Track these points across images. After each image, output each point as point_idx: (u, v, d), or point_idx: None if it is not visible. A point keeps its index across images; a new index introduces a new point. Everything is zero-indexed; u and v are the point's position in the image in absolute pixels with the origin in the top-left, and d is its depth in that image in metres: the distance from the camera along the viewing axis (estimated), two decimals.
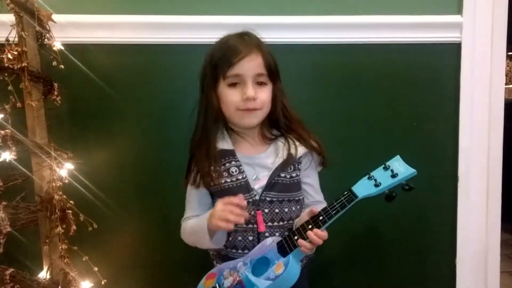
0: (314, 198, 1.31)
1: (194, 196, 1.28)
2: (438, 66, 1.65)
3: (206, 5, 1.56)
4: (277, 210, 1.22)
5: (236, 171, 1.23)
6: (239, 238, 1.22)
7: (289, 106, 1.29)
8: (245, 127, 1.26)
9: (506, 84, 1.70)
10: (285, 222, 1.22)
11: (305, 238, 1.09)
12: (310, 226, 1.09)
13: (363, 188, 1.08)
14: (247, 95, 1.18)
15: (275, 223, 1.21)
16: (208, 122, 1.25)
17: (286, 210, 1.23)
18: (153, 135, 1.61)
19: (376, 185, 1.06)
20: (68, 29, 1.48)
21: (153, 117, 1.61)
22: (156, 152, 1.62)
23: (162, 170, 1.61)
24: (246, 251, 1.20)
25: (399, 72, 1.64)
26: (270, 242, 1.16)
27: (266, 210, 1.21)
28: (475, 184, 1.67)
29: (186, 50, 1.57)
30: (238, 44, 1.21)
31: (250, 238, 1.21)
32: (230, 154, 1.25)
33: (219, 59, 1.21)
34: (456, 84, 1.64)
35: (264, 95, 1.22)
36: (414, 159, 1.63)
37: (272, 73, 1.24)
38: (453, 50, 1.63)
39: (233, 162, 1.24)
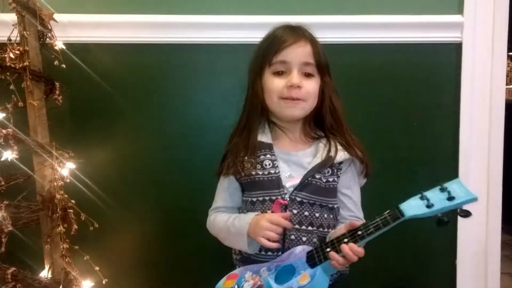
0: (353, 214, 1.22)
1: (225, 187, 1.25)
2: (439, 66, 1.64)
3: (208, 5, 1.56)
4: (306, 213, 1.15)
5: (269, 164, 1.18)
6: None
7: (340, 106, 1.24)
8: (287, 119, 1.21)
9: (506, 84, 1.69)
10: (314, 228, 1.15)
11: (338, 251, 1.02)
12: (346, 240, 1.01)
13: (412, 208, 0.98)
14: (291, 82, 1.13)
15: (303, 227, 1.14)
16: (252, 113, 1.22)
17: (317, 215, 1.15)
18: (155, 134, 1.62)
19: (428, 206, 0.96)
20: (70, 29, 1.48)
21: (154, 116, 1.61)
22: (157, 152, 1.62)
23: (163, 170, 1.61)
24: (269, 253, 1.14)
25: (399, 72, 1.64)
26: (300, 250, 1.09)
27: (295, 211, 1.14)
28: (475, 185, 1.66)
29: (188, 49, 1.57)
30: (287, 32, 1.18)
31: None
32: (267, 147, 1.20)
33: (266, 47, 1.18)
34: (457, 84, 1.63)
35: (310, 86, 1.17)
36: (414, 159, 1.66)
37: (321, 65, 1.19)
38: (454, 50, 1.63)
39: (268, 156, 1.19)
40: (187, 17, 1.54)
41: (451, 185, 0.98)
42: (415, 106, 1.66)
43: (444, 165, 1.68)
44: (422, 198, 0.98)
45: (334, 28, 1.58)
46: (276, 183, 1.16)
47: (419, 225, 1.65)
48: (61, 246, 1.33)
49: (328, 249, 1.03)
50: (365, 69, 1.63)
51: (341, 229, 1.08)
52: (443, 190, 0.97)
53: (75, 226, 1.32)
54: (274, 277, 1.06)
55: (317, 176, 1.16)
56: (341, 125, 1.23)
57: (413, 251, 1.72)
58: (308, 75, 1.18)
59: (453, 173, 1.66)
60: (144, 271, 1.66)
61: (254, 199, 1.18)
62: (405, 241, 1.70)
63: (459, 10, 1.61)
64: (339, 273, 1.15)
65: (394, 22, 1.59)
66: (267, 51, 1.17)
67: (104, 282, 1.39)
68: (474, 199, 0.94)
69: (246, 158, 1.18)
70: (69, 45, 1.41)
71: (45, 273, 1.34)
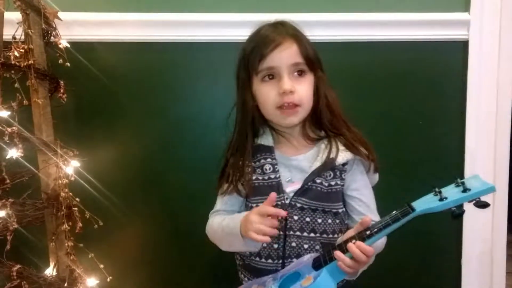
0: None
1: (225, 190, 1.20)
2: (445, 64, 1.63)
3: (213, 3, 1.56)
4: (308, 219, 1.10)
5: (270, 169, 1.14)
6: (264, 245, 1.11)
7: (336, 100, 1.17)
8: (286, 127, 1.16)
9: None
10: (317, 235, 1.11)
11: (345, 252, 0.95)
12: (353, 241, 0.94)
13: (423, 202, 0.94)
14: (283, 89, 1.07)
15: (305, 233, 1.10)
16: (244, 122, 1.17)
17: (319, 221, 1.11)
18: (159, 133, 1.62)
19: (441, 199, 0.91)
20: (74, 27, 1.48)
21: (158, 115, 1.61)
22: (162, 150, 1.62)
23: (168, 168, 1.62)
24: (269, 260, 1.11)
25: (405, 70, 1.62)
26: (307, 258, 1.04)
27: (296, 217, 1.10)
28: None
29: (192, 47, 1.57)
30: (270, 33, 1.11)
31: (275, 246, 1.11)
32: (267, 151, 1.17)
33: (250, 52, 1.12)
34: (463, 82, 1.62)
35: (303, 88, 1.11)
36: (419, 159, 1.65)
37: (312, 62, 1.13)
38: (460, 48, 1.61)
39: (269, 160, 1.16)
40: (192, 15, 1.54)
41: (469, 180, 0.93)
42: (420, 104, 1.64)
43: (449, 165, 1.67)
44: (435, 193, 0.93)
45: (339, 26, 1.58)
46: (276, 188, 1.11)
47: (424, 224, 1.67)
48: (66, 244, 1.34)
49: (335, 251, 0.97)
50: (370, 67, 1.62)
51: (350, 232, 1.02)
52: (458, 185, 0.93)
53: (80, 224, 1.32)
54: (278, 285, 1.03)
55: (318, 181, 1.12)
56: (340, 118, 1.18)
57: (419, 250, 1.71)
58: (300, 74, 1.12)
59: (459, 173, 1.65)
60: (148, 269, 1.67)
61: (254, 205, 1.14)
62: (410, 240, 1.68)
63: (466, 7, 1.59)
64: (347, 281, 1.09)
65: (400, 20, 1.58)
66: (252, 59, 1.11)
67: (108, 279, 1.40)
68: (492, 189, 0.89)
69: (246, 163, 1.15)
70: (73, 44, 1.41)
71: (50, 271, 1.34)
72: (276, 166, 1.15)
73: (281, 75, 1.09)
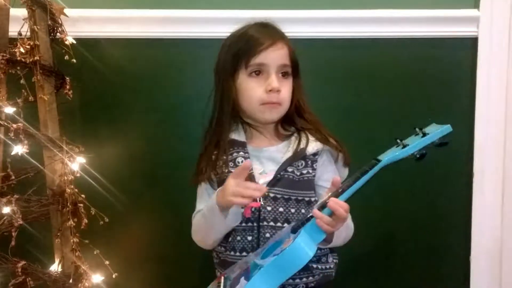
0: None
1: (205, 191, 1.23)
2: (454, 61, 1.62)
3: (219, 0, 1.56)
4: (281, 209, 1.12)
5: (242, 162, 1.16)
6: (238, 238, 1.14)
7: (307, 106, 1.23)
8: (265, 122, 1.20)
9: None
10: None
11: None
12: (327, 201, 0.97)
13: (387, 153, 1.00)
14: (271, 86, 1.12)
15: (278, 224, 1.12)
16: (223, 114, 1.19)
17: (292, 210, 1.13)
18: (164, 129, 1.62)
19: (403, 147, 0.98)
20: (80, 23, 1.48)
21: (164, 111, 1.61)
22: (167, 147, 1.62)
23: (173, 164, 1.62)
24: (244, 253, 1.12)
25: (414, 67, 1.62)
26: (286, 228, 1.06)
27: (269, 208, 1.12)
28: (490, 181, 1.65)
29: (198, 44, 1.57)
30: (263, 33, 1.16)
31: (249, 238, 1.13)
32: (240, 145, 1.19)
33: (241, 48, 1.15)
34: (472, 79, 1.61)
35: (285, 89, 1.16)
36: (429, 155, 1.62)
37: (296, 66, 1.20)
38: (470, 45, 1.60)
39: (241, 153, 1.18)
40: (198, 12, 1.54)
41: (427, 127, 1.00)
42: (429, 102, 1.64)
43: (459, 161, 1.66)
44: (398, 145, 1.00)
45: (347, 23, 1.57)
46: (248, 180, 1.11)
47: (433, 221, 1.66)
48: (71, 240, 1.33)
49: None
50: (378, 65, 1.62)
51: (322, 196, 1.05)
52: (417, 134, 1.00)
53: (85, 221, 1.31)
54: (260, 256, 1.02)
55: (290, 170, 1.15)
56: (311, 122, 1.22)
57: (427, 247, 1.71)
58: (284, 75, 1.18)
59: (468, 169, 1.65)
60: (153, 265, 1.67)
61: None
62: (419, 237, 1.69)
63: (475, 4, 1.59)
64: (320, 249, 1.12)
65: (409, 17, 1.57)
66: (243, 53, 1.14)
67: (113, 276, 1.39)
68: (447, 129, 0.97)
69: (219, 157, 1.18)
70: (79, 40, 1.40)
71: (55, 267, 1.34)
72: (248, 160, 1.17)
73: (269, 73, 1.14)
